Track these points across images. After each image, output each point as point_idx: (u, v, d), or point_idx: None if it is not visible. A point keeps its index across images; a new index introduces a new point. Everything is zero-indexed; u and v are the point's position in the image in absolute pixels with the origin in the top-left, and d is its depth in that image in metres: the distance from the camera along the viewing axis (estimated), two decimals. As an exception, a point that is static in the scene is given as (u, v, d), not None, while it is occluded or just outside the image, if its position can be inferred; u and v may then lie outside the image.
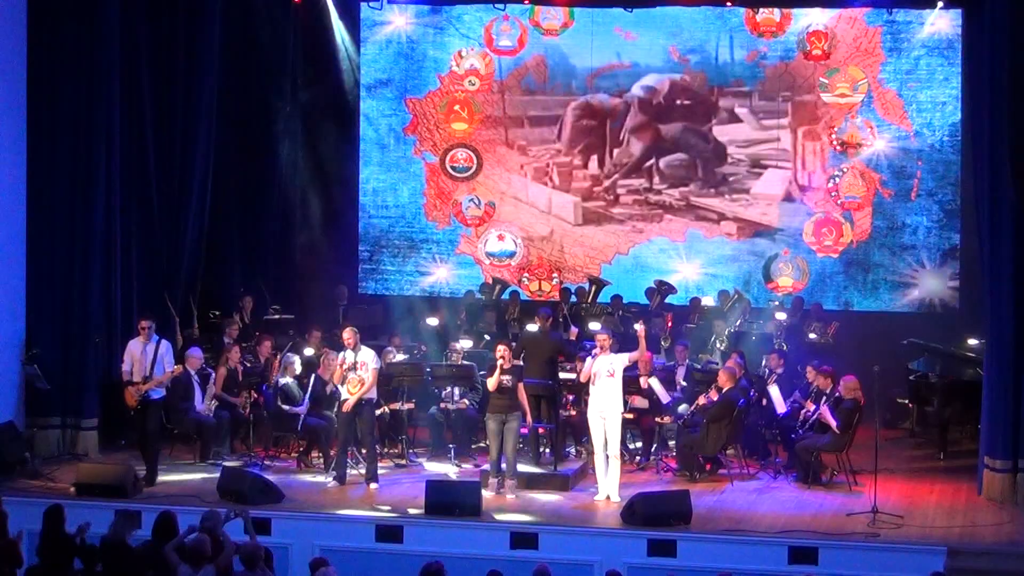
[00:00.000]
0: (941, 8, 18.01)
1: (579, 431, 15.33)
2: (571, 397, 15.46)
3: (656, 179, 19.60)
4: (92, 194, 15.72)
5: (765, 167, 19.32)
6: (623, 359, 14.01)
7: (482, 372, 14.91)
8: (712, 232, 19.40)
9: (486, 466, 14.33)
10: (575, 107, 19.76)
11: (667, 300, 18.54)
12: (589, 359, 14.11)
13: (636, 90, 19.57)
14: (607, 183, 19.65)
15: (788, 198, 19.31)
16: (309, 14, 19.24)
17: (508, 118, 19.94)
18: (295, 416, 15.00)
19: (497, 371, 13.92)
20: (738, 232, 19.34)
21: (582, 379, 14.29)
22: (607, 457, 13.88)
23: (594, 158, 19.74)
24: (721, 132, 19.42)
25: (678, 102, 19.49)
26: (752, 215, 19.36)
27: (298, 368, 15.38)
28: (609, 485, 13.82)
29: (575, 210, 19.84)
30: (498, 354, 14.05)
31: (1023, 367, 13.98)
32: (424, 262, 20.24)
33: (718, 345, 17.16)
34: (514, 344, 15.00)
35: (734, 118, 19.35)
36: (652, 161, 19.56)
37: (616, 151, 19.69)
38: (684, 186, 19.54)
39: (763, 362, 16.28)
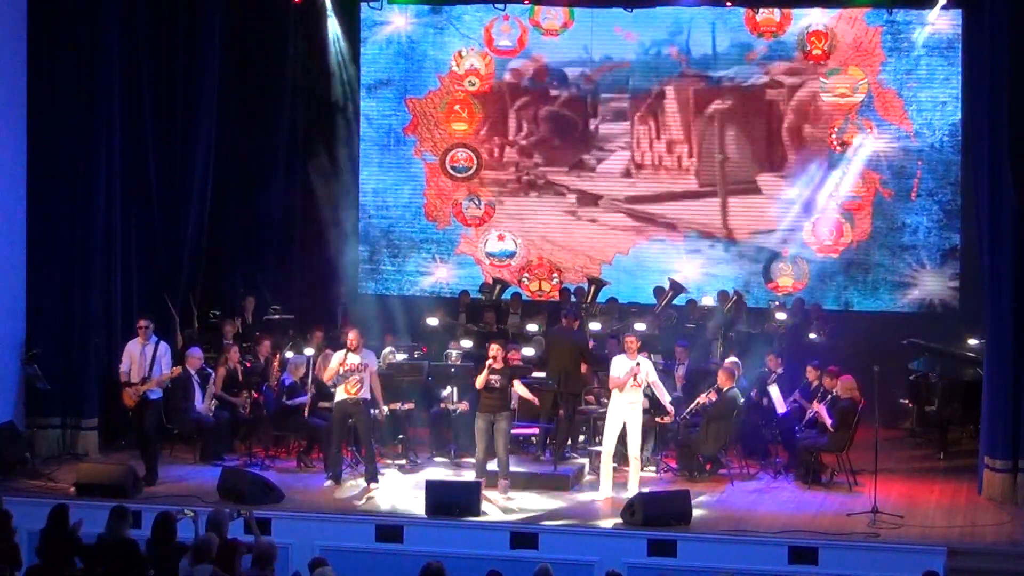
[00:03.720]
0: (942, 8, 17.97)
1: (577, 431, 15.34)
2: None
3: (523, 158, 19.88)
4: (92, 194, 15.72)
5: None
6: (652, 372, 14.03)
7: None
8: (563, 205, 19.75)
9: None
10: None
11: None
12: (619, 362, 13.94)
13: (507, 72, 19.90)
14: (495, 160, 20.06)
15: (626, 174, 19.56)
16: (309, 14, 19.21)
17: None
18: (298, 408, 14.98)
19: (486, 370, 13.92)
20: (579, 201, 19.66)
21: (620, 387, 13.84)
22: (630, 458, 13.89)
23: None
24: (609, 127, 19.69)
25: (555, 93, 19.71)
26: (590, 187, 19.67)
27: (302, 370, 15.37)
28: (630, 484, 13.82)
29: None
30: (490, 353, 14.03)
31: (1023, 367, 13.99)
32: (424, 262, 20.22)
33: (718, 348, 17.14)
34: (541, 341, 15.00)
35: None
36: (524, 141, 19.88)
37: (485, 130, 19.96)
38: (548, 166, 19.77)
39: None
